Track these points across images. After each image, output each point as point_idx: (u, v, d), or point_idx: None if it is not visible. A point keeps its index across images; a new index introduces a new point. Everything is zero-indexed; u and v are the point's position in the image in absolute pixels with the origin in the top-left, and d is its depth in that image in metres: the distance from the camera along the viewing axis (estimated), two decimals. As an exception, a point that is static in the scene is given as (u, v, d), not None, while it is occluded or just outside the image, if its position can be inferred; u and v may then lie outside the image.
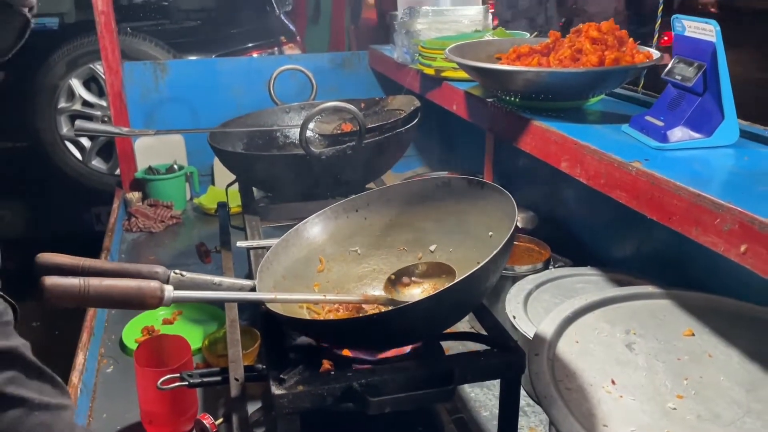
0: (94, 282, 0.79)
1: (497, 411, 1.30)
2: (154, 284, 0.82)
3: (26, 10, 0.85)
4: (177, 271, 0.96)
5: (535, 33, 1.85)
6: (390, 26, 2.39)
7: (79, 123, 1.56)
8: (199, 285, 0.95)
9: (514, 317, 1.32)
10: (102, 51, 2.22)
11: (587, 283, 1.45)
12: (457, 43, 1.64)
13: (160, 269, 0.94)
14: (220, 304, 1.72)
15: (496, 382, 1.38)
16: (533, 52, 1.51)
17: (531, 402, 1.33)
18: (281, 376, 0.86)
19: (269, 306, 0.92)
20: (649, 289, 1.21)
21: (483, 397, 1.35)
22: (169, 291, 0.84)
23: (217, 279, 0.98)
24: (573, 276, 1.49)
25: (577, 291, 1.41)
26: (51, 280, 0.76)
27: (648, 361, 1.02)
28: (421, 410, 1.24)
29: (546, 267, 1.56)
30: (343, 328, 0.89)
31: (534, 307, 1.38)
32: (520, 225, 1.80)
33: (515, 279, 1.49)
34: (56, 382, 0.71)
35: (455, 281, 0.84)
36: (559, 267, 1.58)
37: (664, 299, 1.18)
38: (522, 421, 1.25)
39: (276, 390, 0.84)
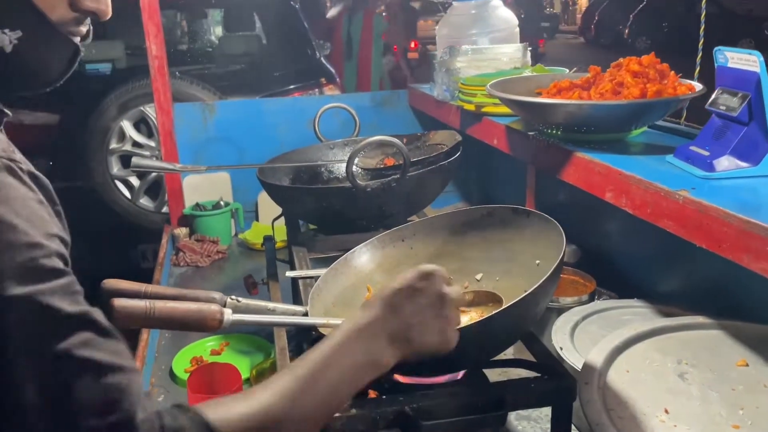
0: (159, 304, 0.83)
1: (546, 445, 1.29)
2: (214, 307, 0.86)
3: (78, 39, 0.82)
4: (233, 297, 1.00)
5: (575, 69, 1.88)
6: (429, 65, 2.45)
7: (135, 160, 1.63)
8: (254, 310, 0.98)
9: (561, 348, 1.31)
10: (155, 93, 2.33)
11: (634, 315, 1.43)
12: (498, 79, 1.67)
13: (217, 295, 0.98)
14: (267, 334, 1.75)
15: (544, 416, 1.38)
16: (574, 87, 1.54)
17: (580, 435, 1.31)
18: (334, 399, 0.87)
19: (321, 330, 0.94)
20: (700, 319, 1.20)
21: (530, 430, 1.34)
22: (228, 314, 0.87)
23: (271, 305, 1.02)
24: (620, 308, 1.48)
25: (624, 323, 1.40)
26: (120, 302, 0.80)
27: (702, 391, 1.00)
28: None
29: (591, 299, 1.55)
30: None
31: (581, 338, 1.37)
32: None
33: (560, 311, 1.48)
34: (126, 348, 0.69)
35: (506, 305, 0.86)
36: (604, 300, 1.57)
37: (715, 329, 1.17)
38: (571, 455, 1.24)
39: (330, 414, 0.86)
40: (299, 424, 0.75)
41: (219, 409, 0.71)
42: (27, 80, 0.80)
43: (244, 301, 0.99)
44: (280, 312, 0.99)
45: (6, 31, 0.74)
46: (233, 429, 0.70)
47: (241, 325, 0.91)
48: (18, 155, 0.70)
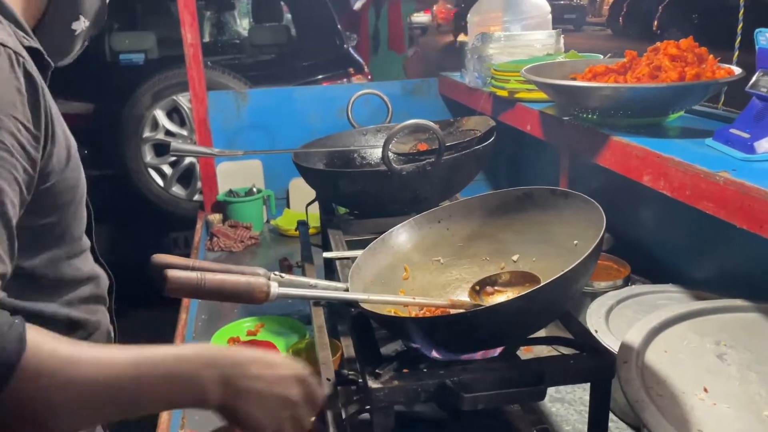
0: (209, 276, 0.85)
1: (579, 426, 1.30)
2: (262, 280, 0.88)
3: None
4: (276, 273, 1.02)
5: (609, 55, 1.87)
6: (461, 53, 2.45)
7: (174, 144, 1.67)
8: (297, 286, 1.01)
9: (596, 331, 1.32)
10: (190, 81, 2.37)
11: (670, 300, 1.43)
12: (534, 65, 1.67)
13: (261, 270, 1.01)
14: (301, 316, 1.78)
15: (578, 398, 1.39)
16: (609, 72, 1.54)
17: (614, 417, 1.31)
18: (376, 370, 0.90)
19: (363, 305, 0.96)
20: (738, 302, 1.19)
21: (564, 412, 1.35)
22: (275, 287, 0.90)
23: (312, 281, 1.04)
24: (655, 293, 1.47)
25: (659, 307, 1.39)
26: (173, 273, 0.83)
27: (741, 371, 1.00)
28: (504, 421, 1.25)
29: (626, 284, 1.55)
30: (433, 326, 0.92)
31: (616, 322, 1.37)
32: (594, 246, 1.80)
33: (594, 296, 1.49)
34: None
35: (546, 281, 0.87)
36: (639, 285, 1.57)
37: (754, 312, 1.16)
38: (605, 437, 1.24)
39: (372, 384, 0.88)
40: (87, 399, 0.71)
41: (44, 338, 0.69)
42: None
43: (287, 277, 1.01)
44: (322, 287, 1.02)
45: (83, 19, 0.96)
46: (38, 359, 0.67)
47: (285, 298, 0.93)
48: (24, 53, 0.79)
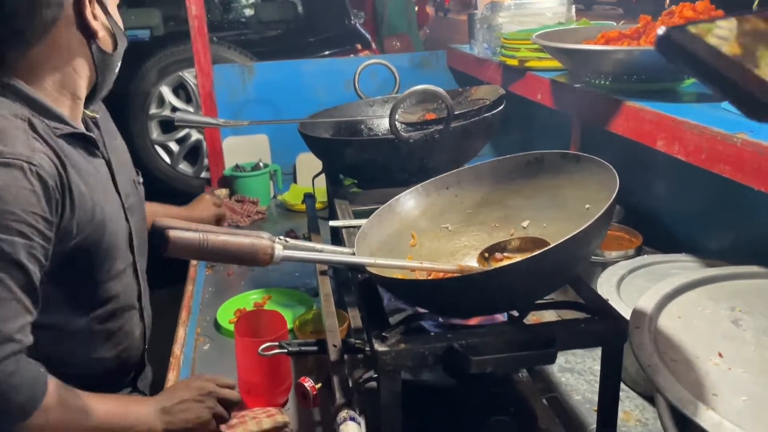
0: (212, 237, 0.84)
1: (589, 395, 1.28)
2: (266, 242, 0.86)
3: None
4: (281, 237, 1.00)
5: (623, 22, 1.82)
6: (470, 24, 2.41)
7: (179, 114, 1.65)
8: (302, 250, 0.99)
9: (608, 300, 1.29)
10: (195, 54, 2.34)
11: (682, 269, 1.40)
12: (545, 31, 1.63)
13: (266, 234, 0.99)
14: (308, 288, 1.77)
15: (587, 368, 1.37)
16: (623, 37, 1.49)
17: (624, 387, 1.30)
18: (383, 334, 0.88)
19: (369, 269, 0.95)
20: (754, 269, 1.16)
21: (574, 382, 1.33)
22: (279, 249, 0.88)
23: (318, 246, 1.02)
24: (667, 262, 1.45)
25: (672, 276, 1.36)
26: (175, 233, 0.81)
27: (756, 337, 0.98)
28: (513, 390, 1.24)
29: (638, 254, 1.52)
30: (441, 289, 0.90)
31: (627, 291, 1.34)
32: (605, 218, 1.77)
33: (605, 265, 1.46)
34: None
35: (557, 242, 0.84)
36: (651, 254, 1.54)
37: (769, 279, 1.14)
38: (616, 406, 1.23)
39: (379, 347, 0.86)
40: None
41: (58, 388, 1.03)
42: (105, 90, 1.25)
43: (292, 242, 0.99)
44: (328, 252, 1.00)
45: (119, 63, 1.22)
46: (54, 401, 1.01)
47: (290, 261, 0.91)
48: (36, 158, 1.01)
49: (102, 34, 1.13)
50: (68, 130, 1.11)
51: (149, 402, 1.16)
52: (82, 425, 1.04)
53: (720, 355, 0.93)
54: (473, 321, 1.02)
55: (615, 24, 1.79)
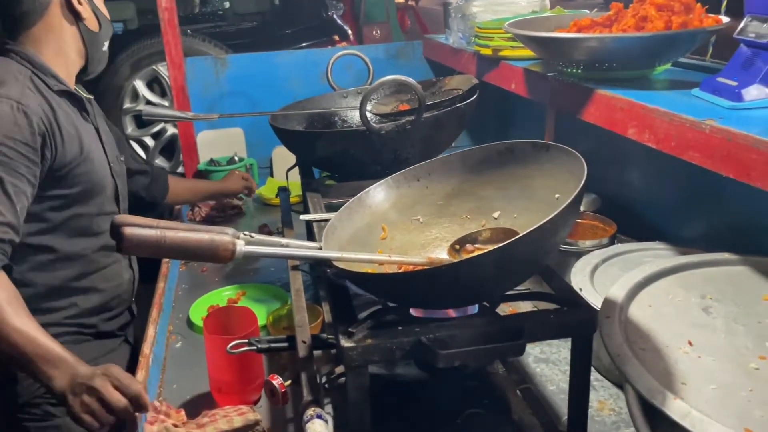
0: (170, 233, 0.81)
1: (564, 385, 1.28)
2: (227, 237, 0.84)
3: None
4: (246, 233, 0.98)
5: (596, 9, 1.81)
6: (445, 14, 2.39)
7: (147, 109, 1.62)
8: (268, 245, 0.97)
9: (581, 289, 1.29)
10: (165, 46, 2.30)
11: (656, 257, 1.40)
12: (517, 19, 1.62)
13: (230, 230, 0.96)
14: (284, 284, 1.75)
15: (563, 358, 1.37)
16: (595, 24, 1.48)
17: (599, 377, 1.30)
18: (350, 329, 0.86)
19: (336, 264, 0.93)
20: (725, 256, 1.16)
21: (549, 372, 1.33)
22: (241, 245, 0.86)
23: (284, 241, 1.00)
24: (641, 250, 1.45)
25: (645, 264, 1.37)
26: (130, 230, 0.79)
27: (727, 324, 0.98)
28: (487, 383, 1.23)
29: (612, 243, 1.52)
30: (408, 282, 0.88)
31: (601, 280, 1.34)
32: (582, 208, 1.76)
33: (580, 254, 1.46)
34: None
35: (525, 232, 0.83)
36: (625, 243, 1.54)
37: (741, 265, 1.14)
38: (590, 396, 1.22)
39: (345, 343, 0.85)
40: None
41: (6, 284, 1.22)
42: (99, 67, 1.58)
43: (258, 236, 0.97)
44: (295, 246, 0.98)
45: (106, 43, 1.54)
46: None
47: (254, 257, 0.89)
48: (25, 100, 1.31)
49: (87, 15, 1.47)
50: (62, 87, 1.43)
51: (73, 363, 1.16)
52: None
53: (690, 343, 0.93)
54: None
55: (588, 12, 1.78)
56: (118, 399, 1.11)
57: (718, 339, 0.94)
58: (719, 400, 0.81)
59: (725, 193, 1.43)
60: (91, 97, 1.57)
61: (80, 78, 1.54)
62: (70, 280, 1.47)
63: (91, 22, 1.48)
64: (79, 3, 1.44)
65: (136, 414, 1.12)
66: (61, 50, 1.45)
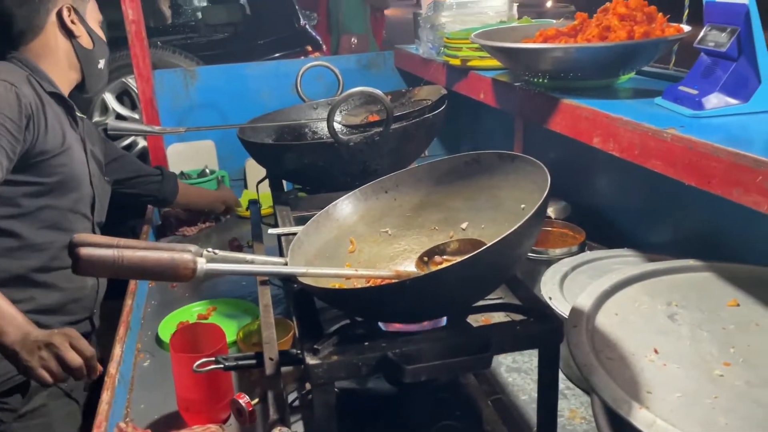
0: (128, 253, 0.79)
1: (536, 395, 1.27)
2: (187, 255, 0.83)
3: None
4: (209, 249, 0.96)
5: (561, 19, 1.83)
6: (415, 24, 2.40)
7: (112, 123, 1.60)
8: (232, 262, 0.95)
9: (551, 298, 1.30)
10: (133, 59, 2.27)
11: (624, 264, 1.41)
12: (484, 30, 1.63)
13: (192, 248, 0.94)
14: (254, 298, 1.72)
15: (534, 368, 1.37)
16: (560, 35, 1.50)
17: (570, 385, 1.30)
18: (315, 346, 0.85)
19: (301, 279, 0.92)
20: (690, 262, 1.17)
21: (521, 382, 1.32)
22: (202, 263, 0.84)
23: (249, 257, 0.99)
24: (610, 258, 1.46)
25: (613, 271, 1.37)
26: (86, 250, 0.77)
27: (692, 331, 0.98)
28: (459, 394, 1.22)
29: (581, 250, 1.53)
30: (375, 297, 0.87)
31: (570, 288, 1.35)
32: (553, 216, 1.78)
33: (550, 263, 1.46)
34: None
35: (489, 244, 0.83)
36: (594, 250, 1.55)
37: (706, 272, 1.15)
38: (562, 404, 1.22)
39: (310, 360, 0.84)
40: None
41: None
42: (98, 85, 1.76)
43: (222, 253, 0.95)
44: (260, 263, 0.96)
45: (101, 61, 1.67)
46: None
47: (217, 274, 0.88)
48: (20, 87, 1.43)
49: (80, 34, 1.59)
50: (55, 90, 1.56)
51: (25, 323, 1.25)
52: None
53: (656, 351, 0.93)
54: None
55: (555, 22, 1.80)
56: (74, 357, 1.21)
57: (684, 346, 0.95)
58: (684, 408, 0.81)
59: (690, 200, 1.45)
60: (84, 117, 1.72)
61: (78, 95, 1.70)
62: (32, 271, 1.50)
63: (85, 40, 1.61)
64: (72, 23, 1.57)
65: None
66: (58, 64, 1.58)
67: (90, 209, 1.64)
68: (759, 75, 1.10)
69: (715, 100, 1.12)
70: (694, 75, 1.20)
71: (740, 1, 1.09)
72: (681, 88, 1.20)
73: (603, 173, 1.81)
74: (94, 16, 1.67)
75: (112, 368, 1.31)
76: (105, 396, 1.21)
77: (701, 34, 1.20)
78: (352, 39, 5.81)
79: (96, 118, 3.41)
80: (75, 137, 1.60)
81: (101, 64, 1.67)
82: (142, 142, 3.49)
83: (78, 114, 1.66)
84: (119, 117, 3.45)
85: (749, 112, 1.11)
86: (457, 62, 1.88)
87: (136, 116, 3.48)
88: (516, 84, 1.57)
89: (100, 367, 1.25)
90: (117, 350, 1.38)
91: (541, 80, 1.47)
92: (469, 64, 1.84)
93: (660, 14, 1.39)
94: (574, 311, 1.02)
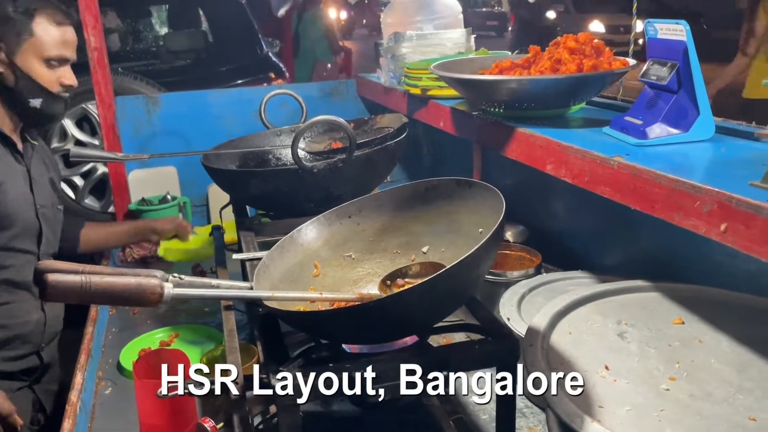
0: (96, 278, 0.81)
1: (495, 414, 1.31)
2: (154, 281, 0.84)
3: (66, 95, 1.64)
4: (176, 275, 0.98)
5: (517, 51, 1.92)
6: (376, 53, 2.46)
7: (74, 150, 1.60)
8: (197, 287, 0.97)
9: (509, 319, 1.34)
10: (95, 86, 2.27)
11: (578, 285, 1.47)
12: (442, 61, 1.69)
13: (158, 273, 0.96)
14: (218, 324, 1.72)
15: (495, 387, 1.40)
16: (515, 66, 1.57)
17: (529, 403, 1.34)
18: (280, 369, 0.87)
19: (267, 303, 0.94)
20: (639, 283, 1.24)
21: (481, 402, 1.35)
22: (169, 288, 0.86)
23: (215, 281, 1.01)
24: (565, 279, 1.52)
25: (568, 292, 1.43)
26: (53, 276, 0.78)
27: (640, 348, 1.04)
28: (422, 414, 1.25)
29: (538, 272, 1.58)
30: (338, 319, 0.90)
31: (527, 309, 1.40)
32: (511, 239, 1.83)
33: (508, 285, 1.51)
34: None
35: (448, 267, 0.87)
36: (550, 273, 1.61)
37: (653, 292, 1.21)
38: (521, 422, 1.26)
39: (275, 383, 0.85)
40: None
41: None
42: (44, 121, 1.71)
43: (187, 278, 0.97)
44: (225, 287, 0.98)
45: (32, 100, 1.57)
46: None
47: (183, 299, 0.89)
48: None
49: (2, 70, 1.55)
50: None
51: None
52: None
53: (606, 367, 0.98)
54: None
55: (510, 54, 1.88)
56: None
57: (632, 363, 1.00)
58: (633, 421, 0.86)
59: (639, 224, 1.52)
60: (35, 143, 1.70)
61: (33, 125, 1.70)
62: None
63: (8, 78, 1.55)
64: None
65: None
66: None
67: (36, 242, 1.61)
68: (698, 106, 1.18)
69: (658, 130, 1.20)
70: (639, 106, 1.28)
71: (679, 39, 1.17)
72: (627, 118, 1.27)
73: (558, 198, 1.88)
74: (38, 54, 1.56)
75: (73, 396, 1.29)
76: (66, 425, 1.20)
77: (644, 68, 1.28)
78: (328, 65, 5.92)
79: (55, 144, 3.36)
80: (16, 171, 1.58)
81: (33, 103, 1.57)
82: (102, 168, 3.46)
83: (32, 142, 1.64)
84: (78, 143, 3.41)
85: (689, 141, 1.18)
86: (417, 91, 1.94)
87: (96, 142, 3.44)
88: (474, 113, 1.63)
89: (19, 421, 1.29)
90: (78, 378, 1.36)
91: (497, 109, 1.54)
92: (429, 93, 1.90)
93: (608, 48, 1.48)
94: (530, 331, 1.06)
